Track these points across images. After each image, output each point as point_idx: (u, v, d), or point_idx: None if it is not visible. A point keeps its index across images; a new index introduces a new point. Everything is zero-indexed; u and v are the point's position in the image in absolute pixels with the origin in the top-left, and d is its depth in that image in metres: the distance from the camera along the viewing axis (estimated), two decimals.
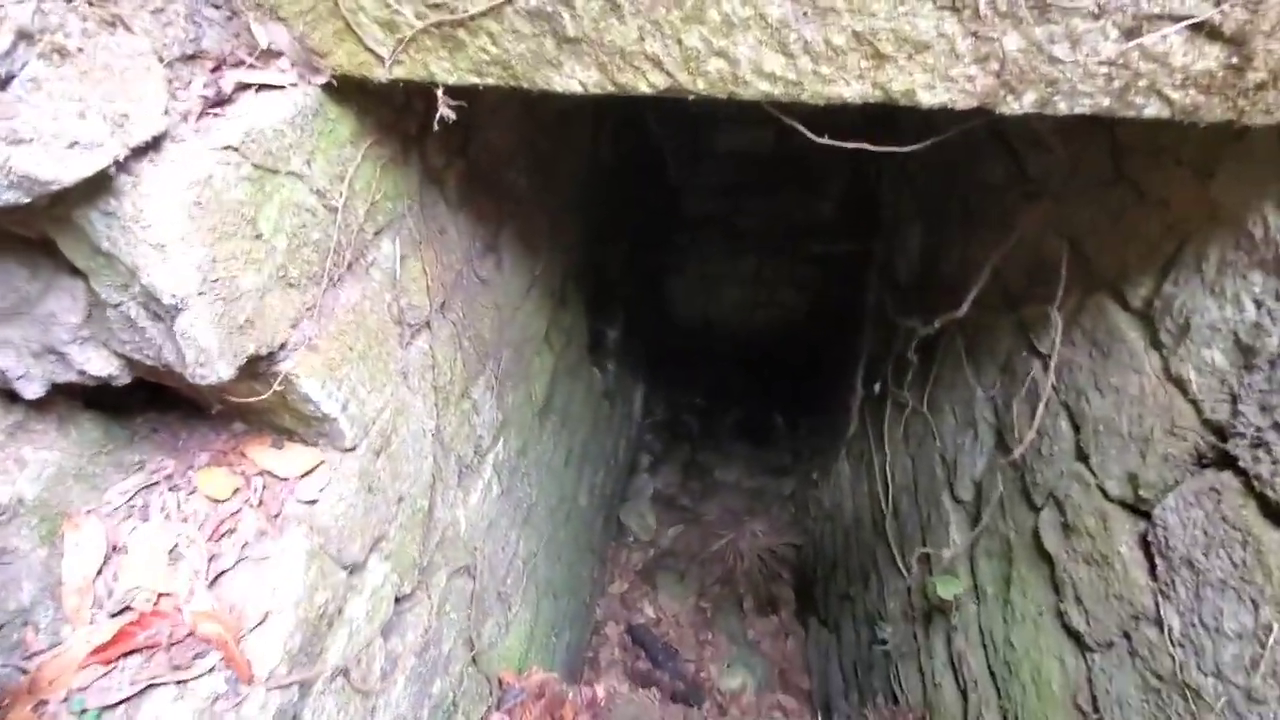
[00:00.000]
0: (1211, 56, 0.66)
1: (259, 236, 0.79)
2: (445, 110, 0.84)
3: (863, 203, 3.56)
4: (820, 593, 3.24)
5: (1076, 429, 1.28)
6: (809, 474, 3.92)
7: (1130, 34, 0.66)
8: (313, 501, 0.99)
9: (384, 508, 1.13)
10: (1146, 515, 1.07)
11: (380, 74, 0.81)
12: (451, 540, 1.45)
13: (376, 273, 1.05)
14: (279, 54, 0.84)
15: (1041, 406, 1.37)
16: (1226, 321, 0.94)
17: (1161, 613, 1.00)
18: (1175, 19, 0.64)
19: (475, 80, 0.81)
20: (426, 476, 1.27)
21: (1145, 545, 1.06)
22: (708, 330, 5.02)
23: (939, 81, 0.71)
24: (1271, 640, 0.80)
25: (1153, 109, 0.71)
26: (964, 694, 1.63)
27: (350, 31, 0.79)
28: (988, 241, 1.65)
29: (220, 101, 0.82)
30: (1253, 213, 0.90)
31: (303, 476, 1.03)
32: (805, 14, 0.69)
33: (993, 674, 1.50)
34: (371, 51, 0.80)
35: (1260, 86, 0.67)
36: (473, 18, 0.75)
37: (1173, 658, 0.97)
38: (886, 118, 1.21)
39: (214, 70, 0.85)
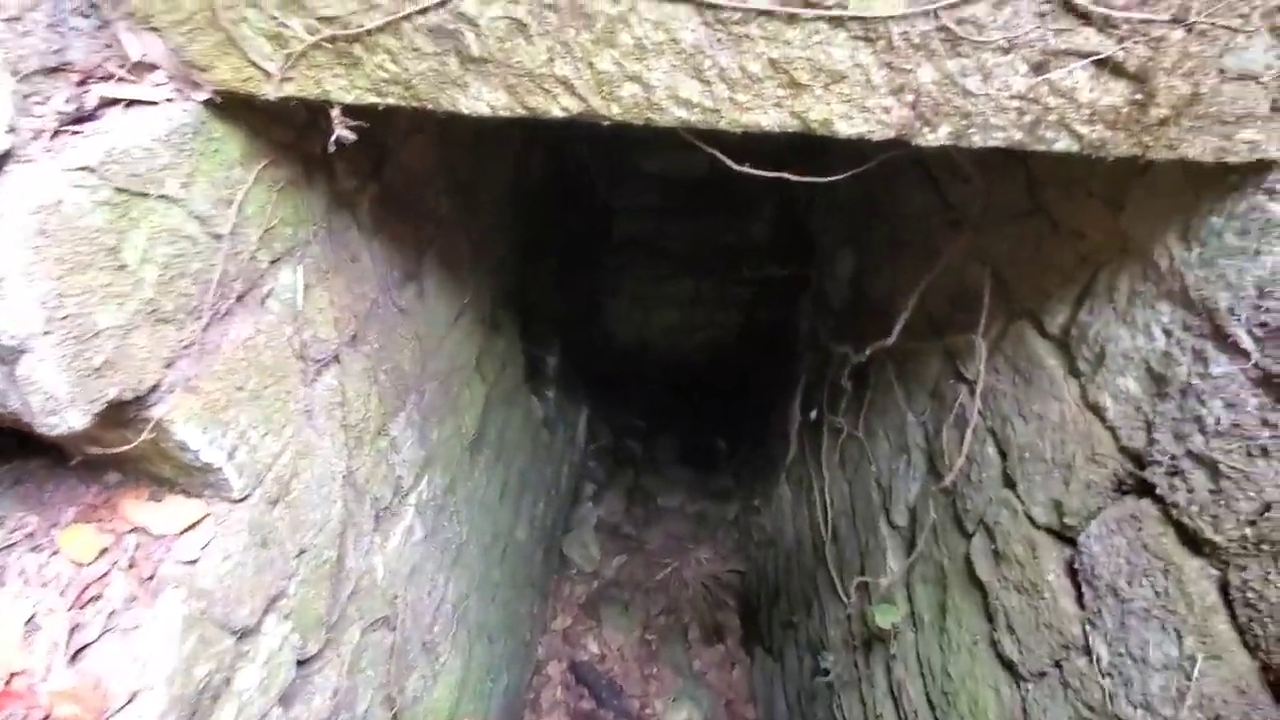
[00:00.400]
0: (1116, 92, 0.67)
1: (122, 267, 0.70)
2: (342, 131, 0.77)
3: (794, 226, 3.63)
4: (764, 620, 3.21)
5: (1003, 455, 1.29)
6: (751, 498, 3.91)
7: (1039, 69, 0.66)
8: (193, 561, 0.89)
9: (282, 562, 1.02)
10: (1072, 542, 1.08)
11: (268, 91, 0.75)
12: (367, 590, 1.34)
13: (274, 304, 0.96)
14: (154, 67, 0.76)
15: (969, 433, 1.39)
16: (1139, 350, 0.96)
17: (1090, 642, 1.00)
18: (1081, 55, 0.64)
19: (375, 100, 0.75)
20: (335, 524, 1.17)
21: (1072, 573, 1.07)
22: (645, 353, 5.00)
23: (856, 112, 0.70)
24: (1196, 672, 0.80)
25: (1062, 143, 0.71)
26: None
27: (233, 45, 0.72)
28: (914, 268, 1.68)
29: (81, 118, 0.73)
30: (1158, 244, 0.93)
31: (183, 533, 0.92)
32: (719, 40, 0.66)
33: (931, 704, 1.49)
34: (258, 66, 0.73)
35: (1163, 122, 0.68)
36: (369, 33, 0.70)
37: (1102, 689, 0.97)
38: (814, 146, 1.21)
39: (80, 84, 0.76)
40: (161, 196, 0.73)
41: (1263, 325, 0.76)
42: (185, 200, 0.77)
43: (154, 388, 0.77)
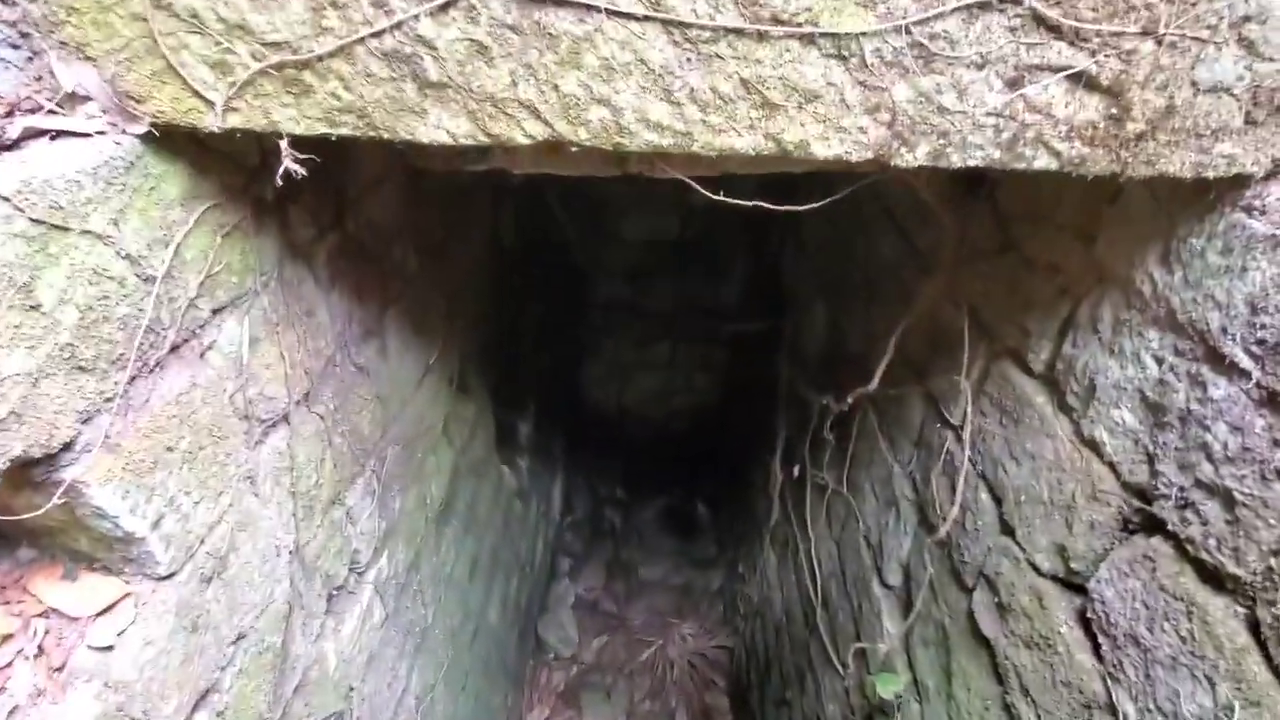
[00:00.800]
0: (1092, 107, 0.66)
1: (35, 307, 0.63)
2: (292, 165, 0.73)
3: (767, 284, 3.67)
4: (756, 700, 3.01)
5: (998, 501, 1.23)
6: (735, 565, 3.76)
7: (1013, 84, 0.65)
8: (109, 648, 0.77)
9: (215, 650, 0.90)
10: (1083, 590, 1.01)
11: (211, 122, 0.70)
12: (317, 683, 1.20)
13: (215, 357, 0.88)
14: (87, 98, 0.71)
15: (960, 480, 1.33)
16: (1130, 380, 0.93)
17: (1114, 698, 0.92)
18: (1054, 69, 0.63)
19: (327, 130, 0.71)
20: (280, 605, 1.05)
21: (1085, 623, 0.99)
22: (624, 418, 4.91)
23: (832, 133, 0.68)
24: None
25: (1041, 161, 0.70)
26: None
27: (173, 73, 0.68)
28: (889, 316, 1.66)
29: (1, 148, 0.67)
30: (1137, 271, 0.92)
31: (99, 615, 0.80)
32: (689, 60, 0.64)
33: None
34: (200, 96, 0.69)
35: (1140, 137, 0.67)
36: (320, 59, 0.66)
37: None
38: (784, 186, 1.20)
39: (5, 115, 0.71)
40: (86, 232, 0.67)
41: (1260, 342, 0.73)
42: (114, 238, 0.70)
43: (67, 445, 0.68)
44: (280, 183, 0.73)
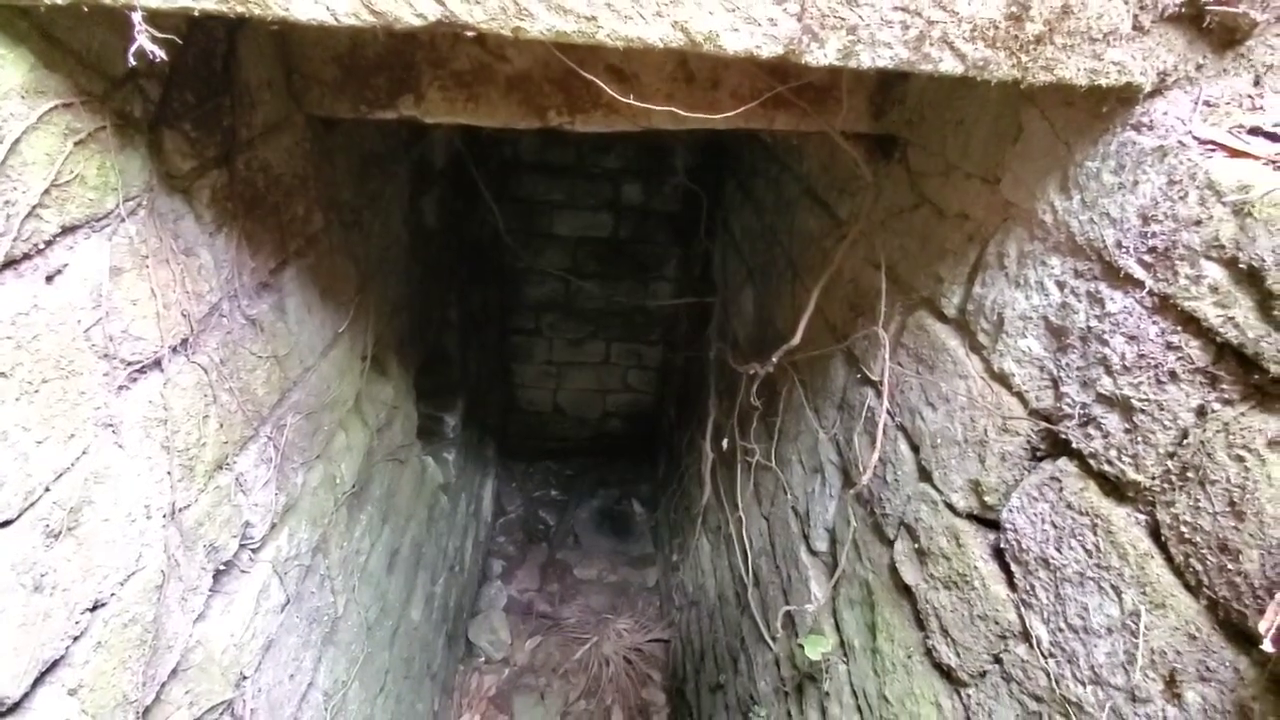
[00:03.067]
0: (993, 4, 0.66)
1: None
2: (145, 43, 0.64)
3: (698, 280, 3.69)
4: (692, 691, 2.98)
5: (915, 449, 1.25)
6: (671, 560, 3.74)
7: None
8: None
9: (65, 616, 0.79)
10: (995, 525, 1.03)
11: None
12: (201, 667, 1.08)
13: (66, 282, 0.78)
14: None
15: (880, 433, 1.34)
16: (1035, 309, 0.95)
17: (1027, 624, 0.93)
18: None
19: (189, 3, 0.64)
20: (151, 573, 0.93)
21: (999, 555, 1.01)
22: (559, 418, 4.83)
23: (742, 23, 0.65)
24: (1143, 627, 0.73)
25: (947, 63, 0.70)
26: None
27: None
28: (811, 289, 1.68)
29: None
30: (1040, 203, 0.94)
31: None
32: None
33: None
34: None
35: (1038, 40, 0.68)
36: None
37: (1047, 673, 0.88)
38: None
39: None
40: None
41: (1151, 250, 0.75)
42: None
43: None
44: (133, 62, 0.65)
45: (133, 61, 0.65)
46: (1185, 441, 0.71)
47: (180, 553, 1.01)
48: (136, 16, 0.63)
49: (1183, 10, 0.69)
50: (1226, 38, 0.72)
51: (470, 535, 3.58)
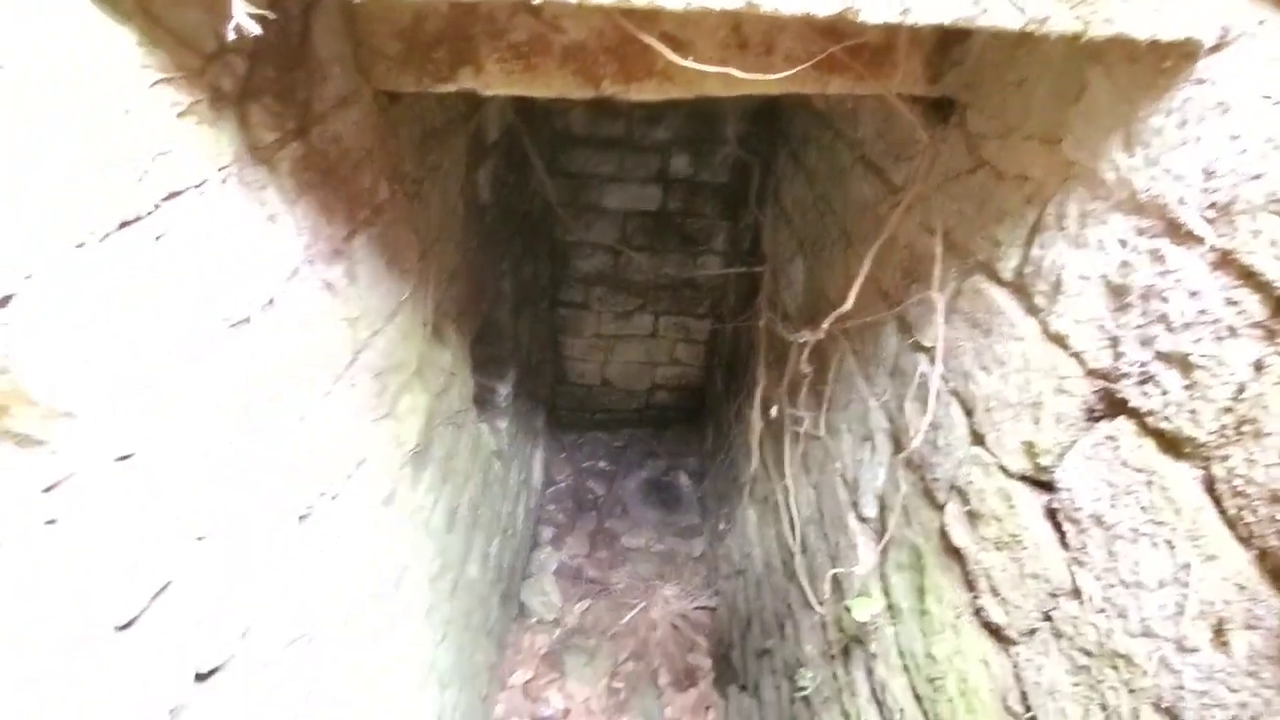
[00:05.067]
0: None
1: None
2: (243, 19, 0.70)
3: (748, 254, 3.67)
4: (738, 656, 3.05)
5: (969, 413, 1.25)
6: (717, 531, 3.79)
7: None
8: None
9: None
10: (1049, 486, 1.03)
11: None
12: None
13: (170, 243, 0.86)
14: None
15: (932, 398, 1.34)
16: (1095, 268, 0.93)
17: (1078, 582, 0.93)
18: None
19: None
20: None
21: (1053, 515, 1.01)
22: (607, 390, 4.91)
23: None
24: (1193, 578, 0.74)
25: (1006, 17, 0.69)
26: None
27: None
28: (865, 253, 1.67)
29: None
30: (1102, 161, 0.92)
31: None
32: None
33: (918, 697, 1.38)
34: None
35: None
36: None
37: (1097, 628, 0.89)
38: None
39: None
40: None
41: (1212, 205, 0.74)
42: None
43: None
44: (232, 36, 0.71)
45: (231, 35, 0.71)
46: (1241, 395, 0.70)
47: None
48: None
49: None
50: None
51: (522, 501, 3.71)
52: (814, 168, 2.52)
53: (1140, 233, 0.86)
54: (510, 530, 3.40)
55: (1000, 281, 1.18)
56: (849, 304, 1.51)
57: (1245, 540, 0.69)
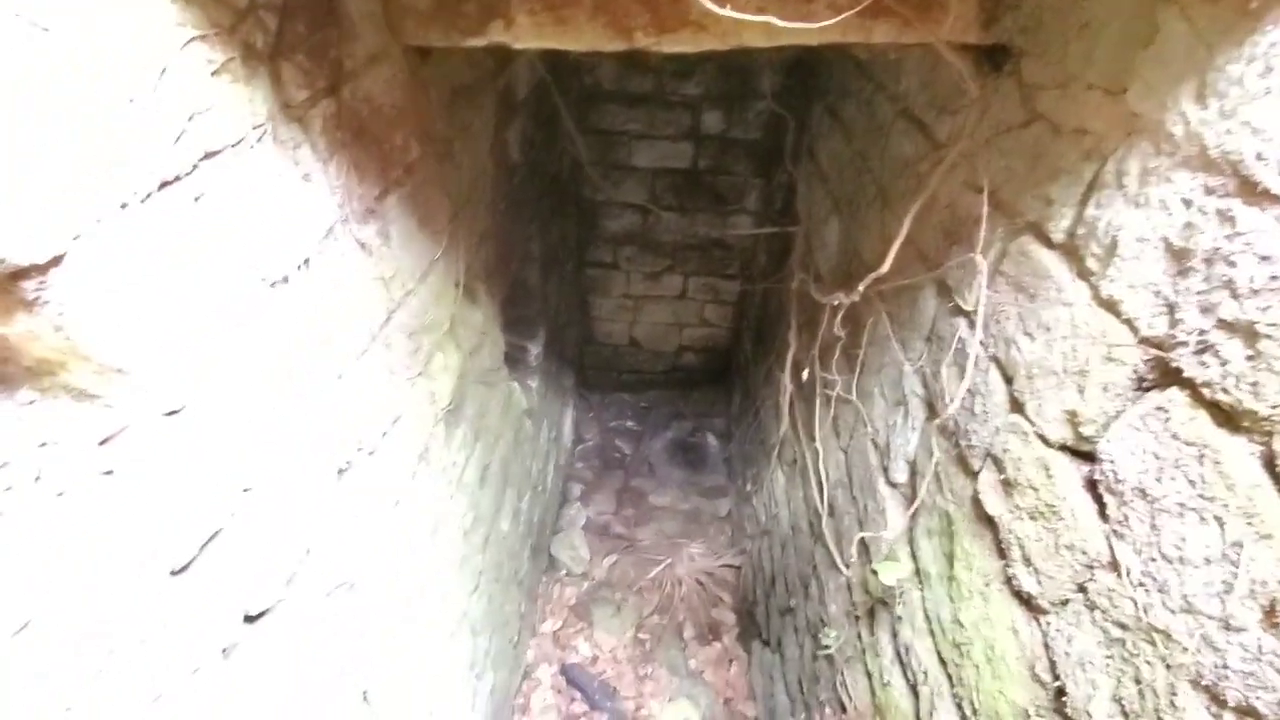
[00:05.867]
0: None
1: None
2: None
3: (781, 213, 3.59)
4: (761, 613, 3.10)
5: (1009, 380, 1.21)
6: (743, 490, 3.82)
7: None
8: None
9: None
10: (1090, 457, 1.00)
11: None
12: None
13: (209, 203, 0.87)
14: None
15: (970, 364, 1.31)
16: (1155, 229, 0.89)
17: (1117, 555, 0.92)
18: None
19: None
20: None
21: (1093, 487, 0.98)
22: (635, 350, 4.91)
23: None
24: (1244, 557, 0.72)
25: None
26: (914, 689, 1.51)
27: None
28: (905, 214, 1.61)
29: None
30: (1170, 113, 0.87)
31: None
32: None
33: (943, 661, 1.39)
34: None
35: None
36: None
37: (1134, 602, 0.88)
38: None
39: None
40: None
41: None
42: None
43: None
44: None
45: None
46: None
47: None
48: None
49: None
50: None
51: (551, 459, 3.78)
52: (852, 123, 2.43)
53: (1209, 192, 0.81)
54: (540, 487, 3.47)
55: (1050, 243, 1.13)
56: (886, 266, 1.46)
57: None
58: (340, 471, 1.26)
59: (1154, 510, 0.86)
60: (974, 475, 1.32)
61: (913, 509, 1.55)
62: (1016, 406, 1.18)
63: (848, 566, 1.95)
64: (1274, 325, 0.71)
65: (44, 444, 0.68)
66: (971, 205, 1.36)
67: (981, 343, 1.30)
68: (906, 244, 1.57)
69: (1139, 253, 0.91)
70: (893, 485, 1.73)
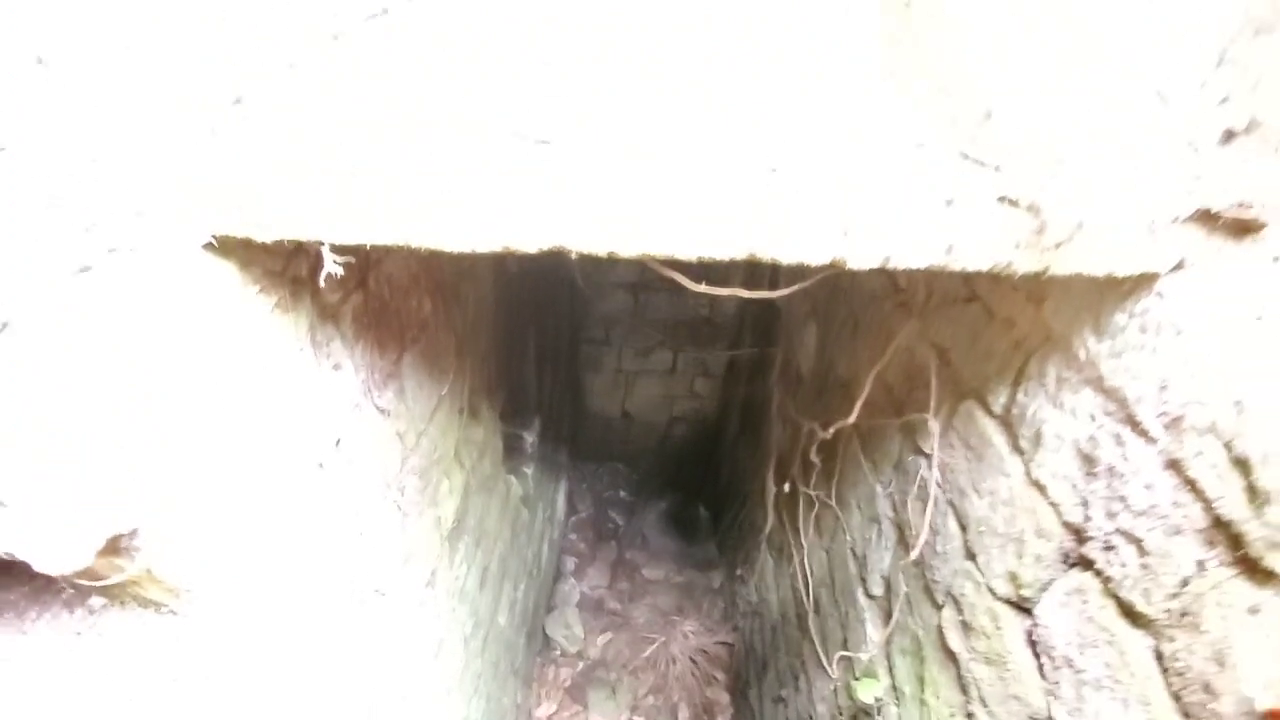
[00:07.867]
0: (1018, 222, 0.77)
1: None
2: (333, 267, 0.85)
3: (762, 302, 3.78)
4: (755, 696, 3.16)
5: (963, 528, 1.36)
6: (735, 565, 3.90)
7: (949, 204, 0.76)
8: None
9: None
10: (1030, 613, 1.13)
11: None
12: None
13: (258, 404, 1.01)
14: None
15: (930, 506, 1.45)
16: (1069, 432, 1.04)
17: (1052, 714, 1.04)
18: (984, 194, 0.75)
19: (364, 239, 0.83)
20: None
21: (1032, 644, 1.12)
22: (628, 423, 5.04)
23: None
24: None
25: (975, 260, 0.81)
26: None
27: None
28: (870, 348, 1.78)
29: None
30: (1075, 336, 1.03)
31: None
32: None
33: None
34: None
35: (1058, 245, 0.79)
36: None
37: None
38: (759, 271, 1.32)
39: None
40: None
41: (1164, 414, 0.85)
42: None
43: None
44: (324, 283, 0.85)
45: (323, 282, 0.85)
46: (1185, 588, 0.81)
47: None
48: (325, 249, 0.83)
49: (1196, 214, 0.78)
50: (1241, 230, 0.80)
51: (546, 538, 3.86)
52: None
53: (1107, 414, 0.97)
54: (535, 570, 3.55)
55: (991, 414, 1.28)
56: (853, 418, 1.62)
57: (1185, 717, 0.80)
58: (361, 602, 1.37)
59: (1079, 680, 0.99)
60: (939, 608, 1.45)
61: (889, 629, 1.67)
62: (970, 555, 1.32)
63: (833, 668, 2.05)
64: (1156, 545, 0.85)
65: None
66: (925, 358, 1.52)
67: (939, 485, 1.45)
68: (874, 380, 1.73)
69: (1058, 448, 1.07)
70: (871, 597, 1.86)
